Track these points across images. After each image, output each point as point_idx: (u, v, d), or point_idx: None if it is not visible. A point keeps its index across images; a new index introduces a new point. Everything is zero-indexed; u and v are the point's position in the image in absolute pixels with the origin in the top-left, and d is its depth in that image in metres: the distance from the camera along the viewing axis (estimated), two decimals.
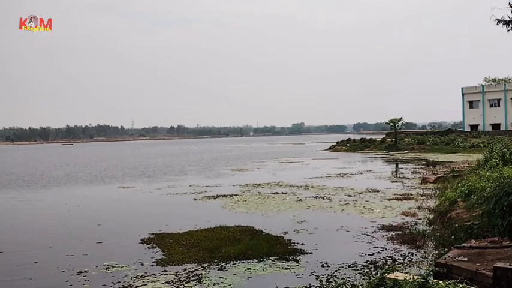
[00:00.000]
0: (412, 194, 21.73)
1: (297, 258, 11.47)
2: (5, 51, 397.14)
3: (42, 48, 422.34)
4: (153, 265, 11.25)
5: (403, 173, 33.18)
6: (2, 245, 13.78)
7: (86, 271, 10.90)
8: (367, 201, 20.38)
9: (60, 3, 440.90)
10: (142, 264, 11.31)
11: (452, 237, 11.53)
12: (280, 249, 12.30)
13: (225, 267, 10.88)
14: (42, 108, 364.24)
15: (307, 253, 11.98)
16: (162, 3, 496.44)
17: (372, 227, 15.00)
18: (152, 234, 14.58)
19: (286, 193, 23.65)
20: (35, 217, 19.29)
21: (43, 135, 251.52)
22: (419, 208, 17.87)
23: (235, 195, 23.36)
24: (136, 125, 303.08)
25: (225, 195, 23.25)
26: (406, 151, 62.42)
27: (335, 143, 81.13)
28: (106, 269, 11.05)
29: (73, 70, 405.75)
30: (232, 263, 11.22)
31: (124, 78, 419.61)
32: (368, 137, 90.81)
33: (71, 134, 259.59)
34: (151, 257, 11.93)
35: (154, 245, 13.18)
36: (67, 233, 15.69)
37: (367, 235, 13.87)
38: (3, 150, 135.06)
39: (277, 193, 23.66)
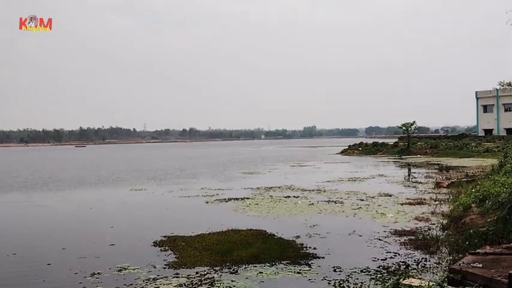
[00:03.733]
0: (425, 199, 21.55)
1: (309, 263, 11.43)
2: (19, 55, 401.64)
3: (54, 50, 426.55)
4: (165, 268, 11.28)
5: (415, 178, 32.93)
6: (15, 247, 13.91)
7: (98, 273, 10.96)
8: (380, 205, 20.26)
9: (68, 4, 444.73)
10: (154, 267, 11.35)
11: (467, 243, 11.43)
12: (293, 253, 12.27)
13: (237, 271, 10.87)
14: (56, 110, 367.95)
15: (319, 257, 11.93)
16: (171, 4, 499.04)
17: (385, 231, 14.90)
18: (164, 236, 14.63)
19: (298, 197, 23.60)
20: (48, 219, 19.45)
21: (56, 137, 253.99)
22: (432, 213, 17.72)
23: (247, 198, 23.36)
24: (148, 128, 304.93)
25: (236, 199, 23.26)
26: (418, 155, 61.96)
27: (347, 147, 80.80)
28: (119, 271, 11.11)
29: (85, 72, 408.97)
30: (244, 266, 11.21)
31: (136, 80, 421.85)
32: (380, 140, 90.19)
33: (84, 136, 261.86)
34: (164, 260, 11.97)
35: (167, 248, 13.22)
36: (80, 235, 15.80)
37: (380, 240, 13.78)
38: (17, 151, 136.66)
39: (289, 197, 23.61)
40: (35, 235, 15.90)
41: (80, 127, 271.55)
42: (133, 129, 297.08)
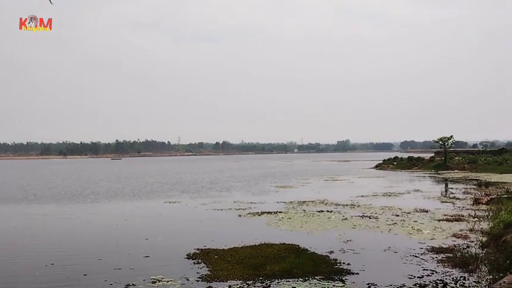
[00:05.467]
0: (463, 215, 20.98)
1: (343, 279, 11.25)
2: (56, 72, 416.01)
3: (90, 67, 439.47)
4: (198, 280, 11.33)
5: (453, 193, 32.10)
6: (54, 257, 14.25)
7: (133, 284, 11.10)
8: (416, 221, 19.83)
9: (100, 21, 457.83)
10: (187, 279, 11.41)
11: (508, 261, 11.03)
12: (326, 268, 12.11)
13: (269, 285, 10.81)
14: (93, 124, 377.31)
15: (353, 273, 11.74)
16: (202, 20, 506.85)
17: (421, 248, 14.56)
18: (198, 249, 14.71)
19: (331, 211, 23.35)
20: (85, 231, 19.83)
21: (94, 149, 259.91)
22: (471, 230, 17.22)
23: (280, 212, 23.27)
24: (182, 141, 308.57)
25: (269, 212, 23.20)
26: (456, 170, 60.45)
27: (381, 161, 79.71)
28: (152, 282, 11.21)
29: (121, 88, 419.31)
30: (277, 281, 11.13)
31: (169, 95, 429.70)
32: (416, 155, 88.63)
33: (120, 149, 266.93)
34: (197, 273, 12.03)
35: (200, 261, 13.28)
36: (115, 246, 16.07)
37: (416, 257, 13.46)
38: (56, 163, 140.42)
39: (322, 211, 23.40)
40: (72, 246, 16.25)
41: (116, 140, 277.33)
42: (168, 142, 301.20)
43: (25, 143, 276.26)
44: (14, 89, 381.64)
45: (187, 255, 14.05)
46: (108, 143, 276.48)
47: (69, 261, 13.84)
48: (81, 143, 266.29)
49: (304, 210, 23.81)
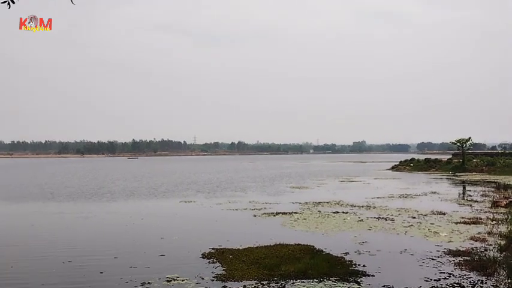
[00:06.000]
0: (481, 218, 20.71)
1: (359, 280, 11.18)
2: (75, 73, 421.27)
3: (107, 68, 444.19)
4: (213, 280, 11.36)
5: (471, 196, 31.68)
6: (70, 255, 14.41)
7: (149, 283, 11.18)
8: (433, 224, 19.63)
9: (116, 23, 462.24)
10: (202, 279, 11.45)
11: None
12: (341, 270, 12.05)
13: (284, 286, 10.79)
14: (110, 123, 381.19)
15: (369, 275, 11.66)
16: (219, 23, 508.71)
17: (438, 251, 14.40)
18: (213, 249, 14.75)
19: (347, 213, 23.24)
20: (101, 229, 20.00)
21: (110, 148, 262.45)
22: (489, 233, 16.99)
23: (295, 213, 23.23)
24: (198, 141, 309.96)
25: (284, 213, 23.17)
26: (474, 173, 59.67)
27: (398, 163, 79.04)
28: (168, 281, 11.27)
29: (138, 88, 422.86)
30: (292, 281, 11.11)
31: (186, 95, 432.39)
32: (433, 157, 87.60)
33: (136, 148, 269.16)
34: (212, 272, 12.06)
35: (215, 260, 13.32)
36: (131, 245, 16.18)
37: (433, 259, 13.33)
38: (74, 161, 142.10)
39: (337, 212, 23.29)
40: (89, 244, 16.40)
41: (133, 139, 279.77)
42: (184, 142, 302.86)
43: (43, 142, 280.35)
44: (33, 90, 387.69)
45: (202, 254, 14.10)
46: (125, 142, 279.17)
47: (85, 259, 13.97)
48: (98, 142, 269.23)
49: (320, 211, 23.73)
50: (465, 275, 11.56)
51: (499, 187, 37.13)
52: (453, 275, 11.59)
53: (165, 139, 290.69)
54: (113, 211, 25.75)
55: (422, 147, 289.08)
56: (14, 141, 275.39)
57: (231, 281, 11.25)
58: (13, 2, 4.39)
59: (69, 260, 13.67)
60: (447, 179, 51.82)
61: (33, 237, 18.00)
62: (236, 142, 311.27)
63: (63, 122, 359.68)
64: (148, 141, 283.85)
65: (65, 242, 16.69)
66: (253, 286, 10.80)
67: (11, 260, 13.81)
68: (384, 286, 10.75)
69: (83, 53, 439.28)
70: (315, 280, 11.15)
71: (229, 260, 13.15)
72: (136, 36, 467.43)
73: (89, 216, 23.54)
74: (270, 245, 15.07)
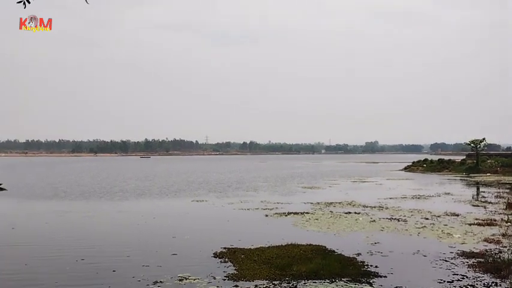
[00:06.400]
0: (495, 220, 20.48)
1: (371, 281, 11.12)
2: (88, 73, 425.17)
3: (122, 66, 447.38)
4: (224, 279, 11.38)
5: (485, 197, 31.35)
6: (83, 253, 14.52)
7: (160, 281, 11.22)
8: (446, 225, 19.45)
9: (131, 22, 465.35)
10: (214, 278, 11.47)
11: None
12: (353, 270, 11.99)
13: (296, 286, 10.77)
14: (123, 123, 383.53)
15: (381, 276, 11.58)
16: (233, 22, 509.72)
17: (451, 252, 14.27)
18: (224, 248, 14.77)
19: (359, 213, 23.12)
20: (114, 228, 20.14)
21: (123, 147, 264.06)
22: (503, 235, 16.80)
23: (307, 213, 23.17)
24: (210, 140, 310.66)
25: (296, 213, 23.13)
26: (488, 174, 58.98)
27: (411, 163, 78.44)
28: (180, 280, 11.31)
29: (150, 86, 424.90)
30: (303, 282, 11.08)
31: (198, 96, 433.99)
32: (446, 157, 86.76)
33: (149, 147, 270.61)
34: (223, 271, 12.08)
35: (226, 260, 13.34)
36: (143, 244, 16.26)
37: (446, 261, 13.20)
38: (87, 160, 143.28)
39: (349, 213, 23.19)
40: (101, 243, 16.52)
41: (145, 139, 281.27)
42: (196, 141, 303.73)
43: (57, 141, 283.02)
44: (47, 91, 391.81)
45: (214, 254, 14.13)
46: (138, 142, 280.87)
47: (98, 257, 14.07)
48: (111, 141, 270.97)
49: (332, 212, 23.65)
50: (479, 277, 11.44)
51: None
52: (467, 277, 11.47)
53: (177, 139, 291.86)
54: (125, 210, 25.91)
55: (436, 147, 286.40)
56: (28, 140, 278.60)
57: (243, 280, 11.25)
58: (28, 2, 4.41)
59: (82, 258, 13.78)
60: (461, 180, 51.33)
61: (47, 235, 18.19)
62: (248, 142, 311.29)
63: (77, 122, 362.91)
64: (160, 140, 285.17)
65: (77, 240, 16.83)
66: (264, 286, 10.79)
67: (25, 258, 13.95)
68: (396, 287, 10.66)
69: (96, 53, 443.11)
70: (327, 280, 11.12)
71: (241, 260, 13.16)
72: (149, 36, 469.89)
73: (101, 215, 23.72)
74: (282, 245, 15.05)
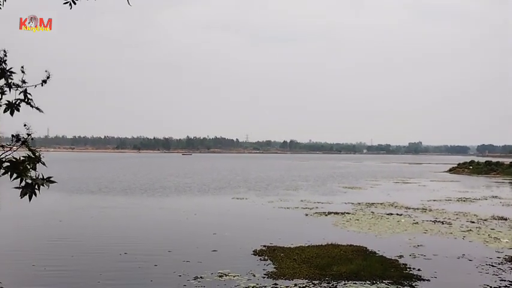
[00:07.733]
0: None
1: (413, 285, 10.87)
2: (144, 72, 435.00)
3: (164, 65, 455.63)
4: (264, 277, 11.39)
5: None
6: (126, 248, 14.86)
7: (201, 277, 11.35)
8: (493, 229, 18.79)
9: (180, 23, 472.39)
10: (254, 275, 11.50)
11: None
12: (395, 272, 11.76)
13: (336, 287, 10.66)
14: (166, 120, 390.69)
15: (424, 280, 11.31)
16: (276, 22, 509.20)
17: (499, 257, 13.77)
18: (264, 246, 14.80)
19: (401, 215, 22.67)
20: (156, 223, 20.52)
21: (166, 145, 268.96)
22: None
23: (347, 213, 22.91)
24: (250, 139, 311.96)
25: (336, 213, 22.90)
26: None
27: (456, 165, 76.16)
28: (219, 276, 11.41)
29: (194, 85, 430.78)
30: (343, 282, 10.96)
31: (241, 93, 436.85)
32: (494, 159, 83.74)
33: (190, 145, 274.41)
34: (263, 269, 12.10)
35: (266, 258, 13.35)
36: (184, 239, 16.52)
37: (493, 266, 12.75)
38: (131, 157, 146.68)
39: (391, 214, 22.76)
40: (144, 238, 16.89)
41: (187, 136, 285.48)
42: (236, 139, 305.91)
43: (103, 137, 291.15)
44: (97, 89, 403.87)
45: (253, 251, 14.18)
46: (180, 139, 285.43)
47: (140, 251, 14.38)
48: (154, 138, 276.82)
49: (373, 212, 23.28)
50: None
51: None
52: None
53: (218, 136, 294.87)
54: (166, 207, 26.33)
55: (483, 149, 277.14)
56: (75, 136, 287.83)
57: (282, 279, 11.23)
58: (74, 3, 4.51)
59: (125, 252, 14.11)
60: (510, 183, 49.45)
61: (92, 229, 18.73)
62: (288, 141, 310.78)
63: (122, 119, 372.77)
64: (202, 138, 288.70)
65: (120, 235, 17.28)
66: (304, 285, 10.74)
67: (71, 251, 14.41)
68: None
69: (139, 53, 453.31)
70: (368, 282, 10.95)
71: (281, 258, 13.14)
72: (192, 36, 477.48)
73: (143, 211, 24.24)
74: (322, 245, 14.95)
